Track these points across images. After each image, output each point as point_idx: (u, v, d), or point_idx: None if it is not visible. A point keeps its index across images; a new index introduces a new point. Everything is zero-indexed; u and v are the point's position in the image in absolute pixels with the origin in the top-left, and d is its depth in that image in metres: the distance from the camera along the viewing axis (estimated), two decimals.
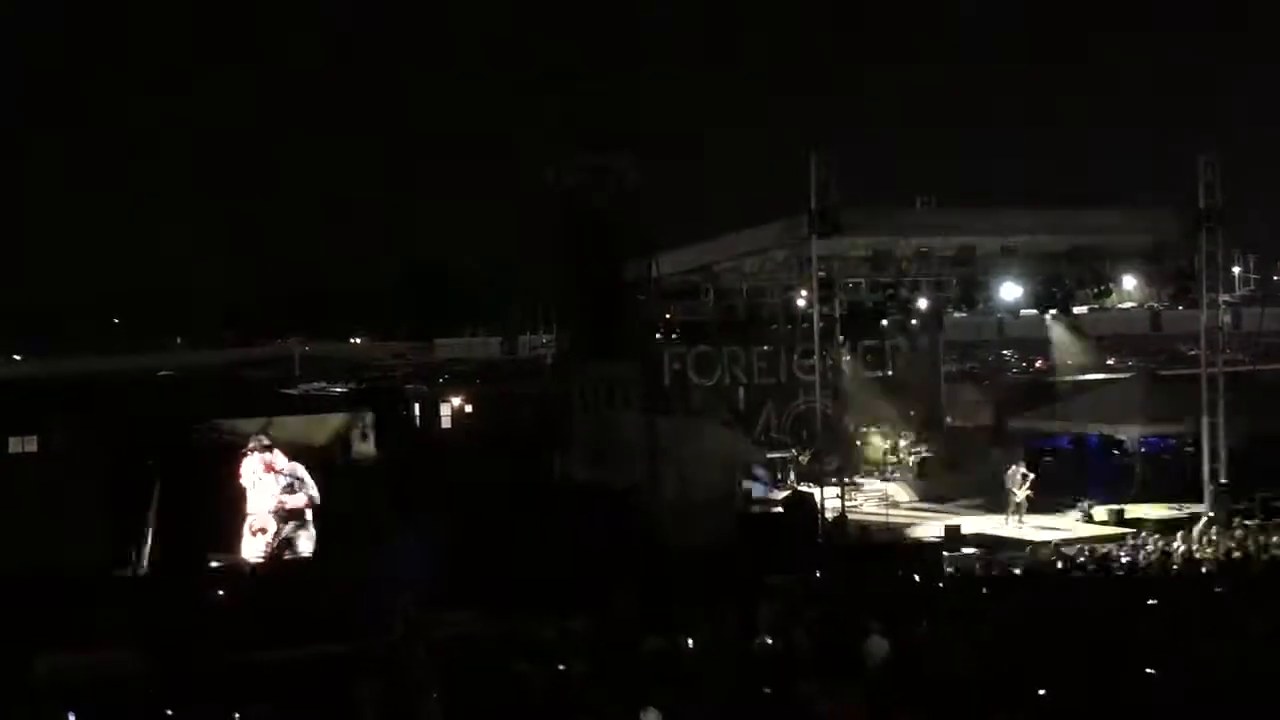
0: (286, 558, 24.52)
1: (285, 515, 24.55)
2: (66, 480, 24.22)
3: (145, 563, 23.43)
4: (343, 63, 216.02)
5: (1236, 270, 33.71)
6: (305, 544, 24.94)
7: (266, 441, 24.80)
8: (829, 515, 29.89)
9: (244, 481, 24.47)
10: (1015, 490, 31.59)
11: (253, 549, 24.34)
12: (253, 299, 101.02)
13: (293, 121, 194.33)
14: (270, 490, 24.50)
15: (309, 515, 24.83)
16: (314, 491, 24.89)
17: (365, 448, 26.23)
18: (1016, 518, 31.16)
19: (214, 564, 24.10)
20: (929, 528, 30.92)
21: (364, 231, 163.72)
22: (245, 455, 24.56)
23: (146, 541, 23.46)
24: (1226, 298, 32.83)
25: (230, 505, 24.35)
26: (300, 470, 24.86)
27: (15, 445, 26.77)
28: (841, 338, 32.46)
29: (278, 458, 24.77)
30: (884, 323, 38.20)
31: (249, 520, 24.38)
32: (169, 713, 14.65)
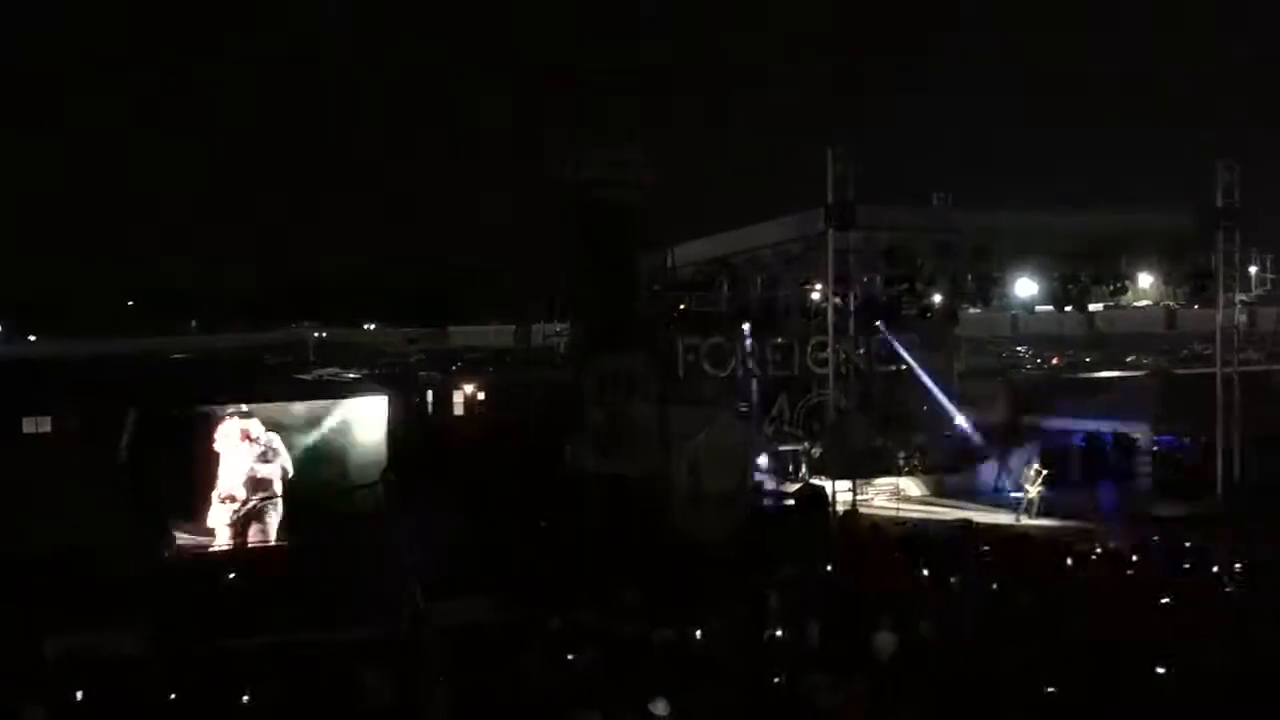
0: (253, 537, 24.45)
1: (255, 484, 24.54)
2: (79, 461, 24.23)
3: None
4: (364, 57, 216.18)
5: (1253, 270, 33.57)
6: (273, 517, 24.92)
7: (245, 409, 24.84)
8: (840, 509, 29.85)
9: (217, 447, 24.36)
10: (1028, 487, 31.59)
11: (220, 517, 24.27)
12: (268, 288, 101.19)
13: (314, 115, 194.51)
14: (244, 458, 24.47)
15: (278, 489, 24.82)
16: (288, 463, 24.88)
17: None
18: (1028, 514, 31.12)
19: (178, 537, 23.99)
20: (940, 523, 30.83)
21: (382, 223, 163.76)
22: (222, 420, 24.50)
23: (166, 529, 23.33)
24: (1243, 297, 32.71)
25: (200, 473, 24.28)
26: (276, 441, 24.82)
27: (29, 426, 26.81)
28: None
29: (254, 425, 24.74)
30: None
31: (218, 488, 24.32)
32: (172, 696, 14.71)
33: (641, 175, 30.20)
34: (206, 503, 24.36)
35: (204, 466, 24.33)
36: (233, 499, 24.39)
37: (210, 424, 24.59)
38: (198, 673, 15.79)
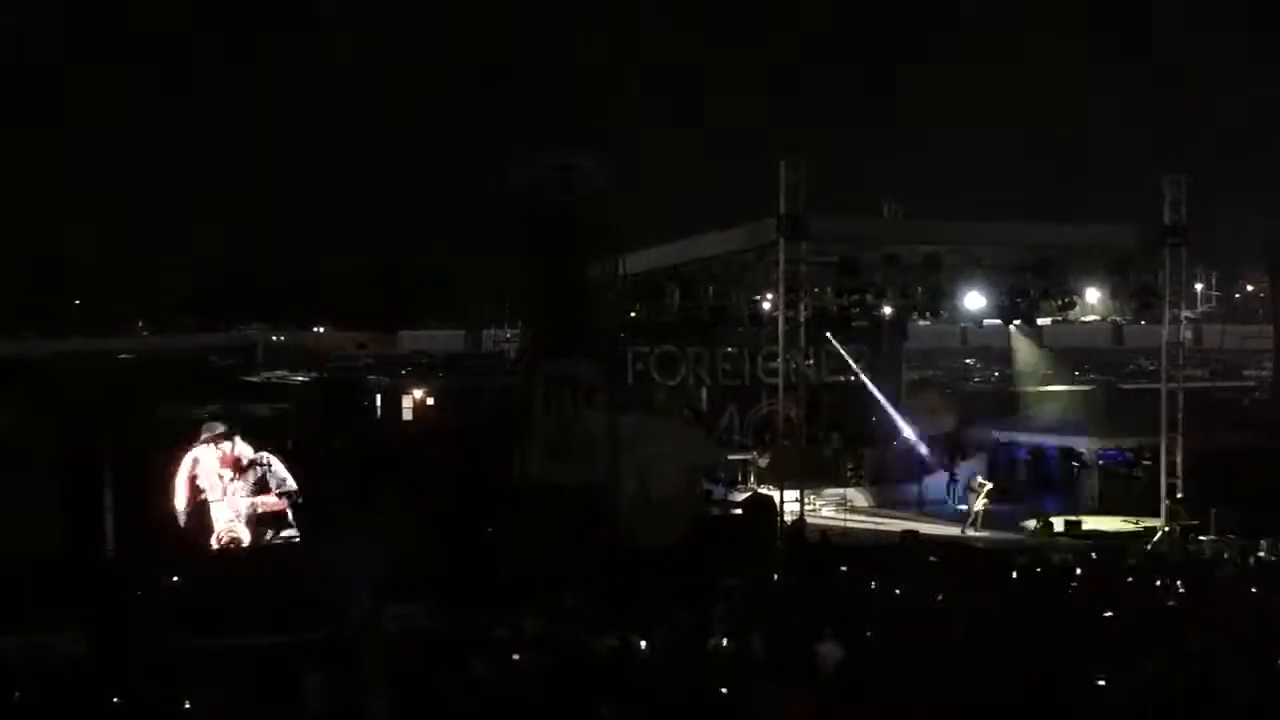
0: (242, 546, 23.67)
1: (260, 521, 21.53)
2: (17, 462, 23.85)
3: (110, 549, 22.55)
4: (313, 58, 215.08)
5: (1199, 287, 33.87)
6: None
7: (222, 429, 21.41)
8: (788, 518, 29.89)
9: (201, 483, 21.23)
10: (974, 499, 31.75)
11: None
12: (216, 287, 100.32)
13: (260, 115, 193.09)
14: (238, 493, 21.29)
15: (289, 515, 21.96)
16: (291, 484, 21.92)
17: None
18: (973, 526, 31.28)
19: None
20: (886, 533, 30.94)
21: (331, 225, 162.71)
22: (195, 446, 21.24)
23: (108, 531, 22.62)
24: (1188, 314, 32.97)
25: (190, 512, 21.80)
26: (268, 457, 21.70)
27: None
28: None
29: (240, 446, 21.45)
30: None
31: (216, 533, 21.43)
32: (115, 700, 14.53)
33: (594, 181, 30.11)
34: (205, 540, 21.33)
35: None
36: (236, 542, 21.29)
37: (181, 445, 21.30)
38: (139, 675, 15.59)
